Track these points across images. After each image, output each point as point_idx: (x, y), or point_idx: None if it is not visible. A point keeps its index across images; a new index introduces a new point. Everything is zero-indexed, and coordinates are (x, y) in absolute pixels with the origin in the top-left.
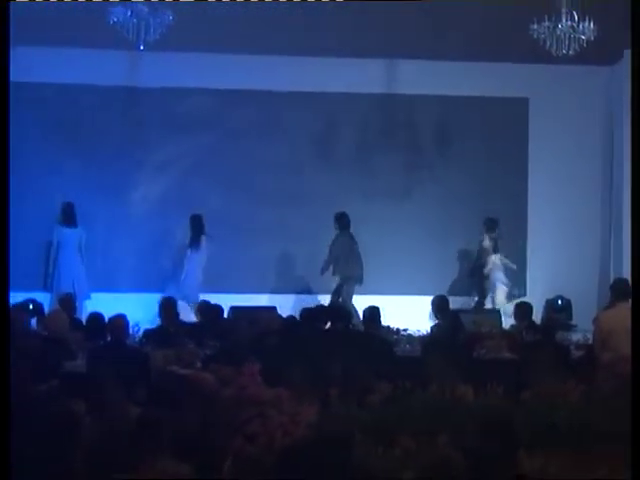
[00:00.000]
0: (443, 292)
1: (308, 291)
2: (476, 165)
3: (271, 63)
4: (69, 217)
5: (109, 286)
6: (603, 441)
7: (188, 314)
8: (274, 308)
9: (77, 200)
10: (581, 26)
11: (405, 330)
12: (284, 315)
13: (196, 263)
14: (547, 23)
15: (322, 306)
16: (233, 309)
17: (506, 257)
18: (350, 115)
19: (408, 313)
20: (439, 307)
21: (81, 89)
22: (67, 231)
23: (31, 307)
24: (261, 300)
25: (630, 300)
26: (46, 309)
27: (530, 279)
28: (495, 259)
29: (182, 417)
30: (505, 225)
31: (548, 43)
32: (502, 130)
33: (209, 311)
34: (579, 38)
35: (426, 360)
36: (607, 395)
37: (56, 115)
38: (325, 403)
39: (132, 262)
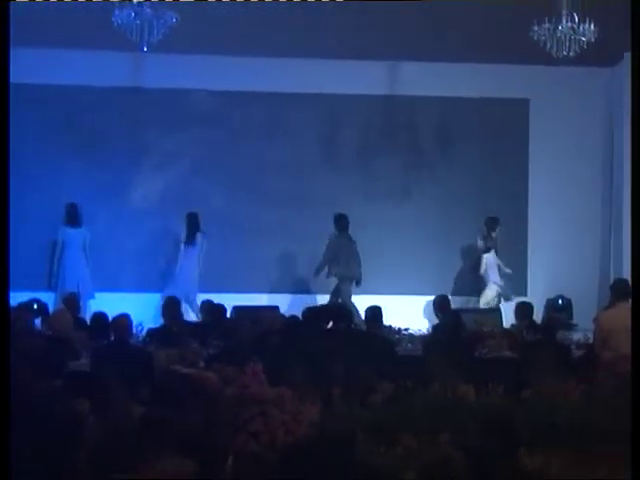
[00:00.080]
0: (444, 292)
1: (309, 291)
2: (477, 166)
3: (273, 65)
4: (73, 217)
5: (113, 286)
6: (603, 440)
7: (186, 312)
8: (277, 308)
9: (81, 200)
10: (581, 28)
11: (407, 330)
12: (286, 315)
13: (191, 259)
14: (548, 25)
15: (324, 306)
16: (236, 309)
17: (502, 260)
18: (352, 116)
19: (409, 313)
20: (440, 306)
21: (85, 90)
22: (71, 231)
23: (35, 307)
24: (262, 300)
25: (630, 300)
26: (50, 309)
27: (531, 279)
28: (489, 258)
29: (185, 416)
30: (506, 225)
31: (549, 44)
32: (503, 131)
33: (212, 310)
34: (579, 40)
35: (427, 359)
36: (607, 394)
37: (60, 116)
38: (327, 402)
39: (136, 262)
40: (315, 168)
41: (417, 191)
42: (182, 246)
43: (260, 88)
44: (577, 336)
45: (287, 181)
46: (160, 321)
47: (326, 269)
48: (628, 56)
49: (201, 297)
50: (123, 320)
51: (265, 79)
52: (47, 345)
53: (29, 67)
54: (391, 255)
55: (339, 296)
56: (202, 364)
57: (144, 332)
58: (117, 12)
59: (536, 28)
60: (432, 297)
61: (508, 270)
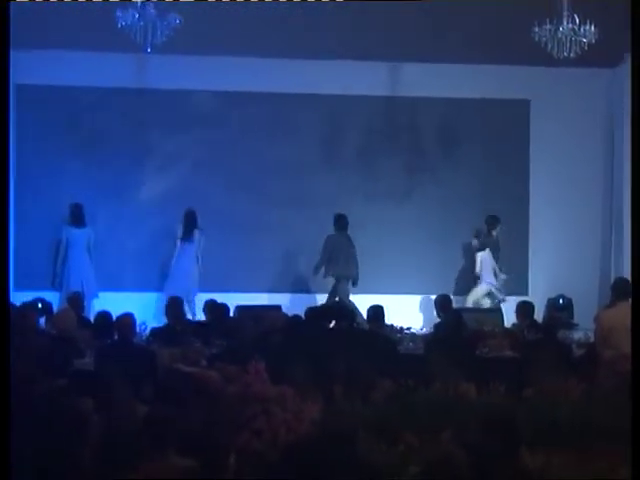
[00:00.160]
0: (445, 292)
1: (309, 290)
2: (478, 166)
3: (275, 65)
4: (78, 218)
5: (117, 285)
6: (604, 438)
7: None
8: (279, 307)
9: (85, 201)
10: (582, 29)
11: (408, 329)
12: (288, 314)
13: (188, 256)
14: (549, 26)
15: (326, 305)
16: (239, 308)
17: (503, 260)
18: (353, 117)
19: (410, 312)
20: (442, 306)
21: (89, 91)
22: (76, 231)
23: (40, 306)
24: (263, 299)
25: (630, 299)
26: (55, 308)
27: (532, 278)
28: (484, 256)
29: (188, 415)
30: (507, 226)
31: (549, 46)
32: (503, 132)
33: (215, 310)
34: (580, 41)
35: (429, 358)
36: (608, 392)
37: (64, 117)
38: (329, 400)
39: (139, 261)
40: (316, 168)
41: (418, 191)
42: (178, 242)
43: (262, 89)
44: (578, 335)
45: (288, 181)
46: (163, 320)
47: (323, 269)
48: (629, 57)
49: (201, 297)
50: (127, 319)
51: (267, 80)
52: (51, 344)
53: (34, 68)
54: (392, 255)
55: (337, 296)
56: (205, 363)
57: (147, 331)
58: (121, 13)
59: (537, 29)
60: (433, 297)
61: (503, 276)
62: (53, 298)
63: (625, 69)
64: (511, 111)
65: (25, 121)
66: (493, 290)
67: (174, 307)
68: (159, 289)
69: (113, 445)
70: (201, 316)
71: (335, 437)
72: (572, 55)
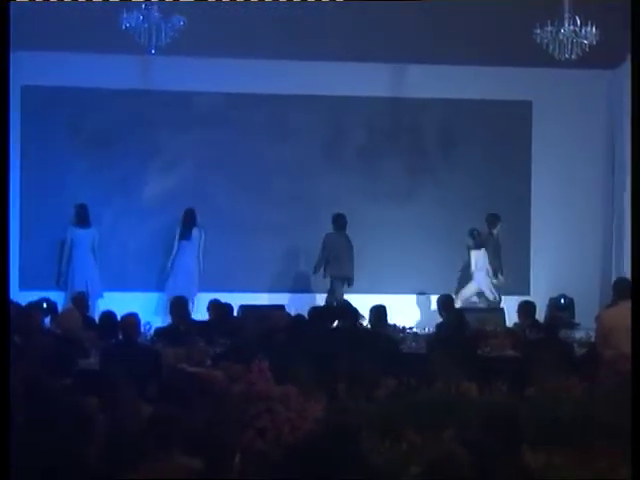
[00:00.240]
0: (446, 292)
1: (311, 290)
2: (480, 167)
3: (278, 67)
4: (82, 218)
5: (121, 285)
6: (606, 437)
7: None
8: (282, 307)
9: (90, 201)
10: (583, 30)
11: (411, 328)
12: (291, 314)
13: (188, 255)
14: (550, 28)
15: (329, 305)
16: (242, 308)
17: (504, 260)
18: (355, 118)
19: (411, 312)
20: (444, 306)
21: (95, 92)
22: (80, 232)
23: (45, 306)
24: (264, 299)
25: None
26: (60, 308)
27: (533, 278)
28: (478, 255)
29: (193, 414)
30: (509, 226)
31: (551, 47)
32: (505, 133)
33: (219, 309)
34: (581, 42)
35: (431, 358)
36: (609, 392)
37: (71, 118)
38: (333, 399)
39: (144, 261)
40: (318, 169)
41: (420, 192)
42: (177, 242)
43: (264, 90)
44: (579, 335)
45: (290, 182)
46: (167, 320)
47: (322, 269)
48: (629, 58)
49: (201, 296)
50: (131, 319)
51: (269, 81)
52: (56, 344)
53: (39, 70)
54: (393, 255)
55: (335, 295)
56: (209, 362)
57: (152, 331)
58: (125, 15)
59: (538, 31)
60: (433, 296)
61: (495, 280)
62: (58, 298)
63: (626, 70)
64: (513, 112)
65: (31, 122)
66: (484, 289)
67: (178, 307)
68: (162, 289)
69: (118, 444)
70: (201, 316)
71: (338, 436)
72: (573, 56)
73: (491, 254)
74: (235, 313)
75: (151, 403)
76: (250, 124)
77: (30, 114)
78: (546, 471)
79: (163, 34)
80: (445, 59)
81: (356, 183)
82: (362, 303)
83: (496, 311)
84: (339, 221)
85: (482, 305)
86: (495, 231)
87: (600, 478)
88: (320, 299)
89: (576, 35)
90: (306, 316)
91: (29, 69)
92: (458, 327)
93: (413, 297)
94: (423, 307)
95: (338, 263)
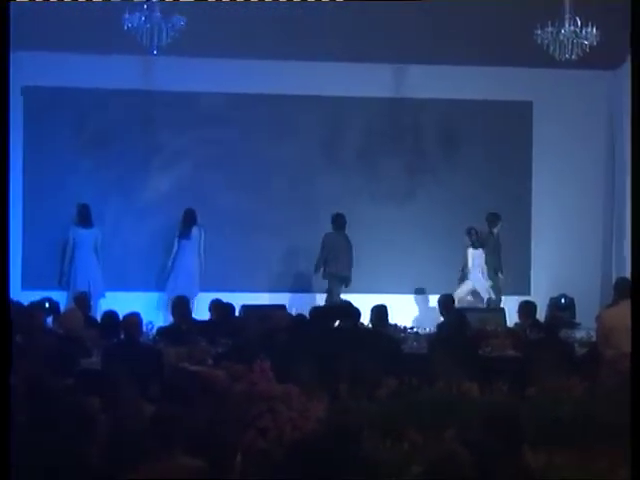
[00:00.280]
0: (447, 292)
1: (311, 290)
2: (480, 167)
3: (279, 67)
4: (85, 218)
5: (123, 285)
6: (606, 436)
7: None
8: (284, 307)
9: (92, 201)
10: (584, 31)
11: (412, 328)
12: (293, 313)
13: (188, 254)
14: (551, 28)
15: (331, 305)
16: (244, 307)
17: (504, 261)
18: (355, 118)
19: (412, 312)
20: (445, 306)
21: (96, 93)
22: (83, 231)
23: (47, 305)
24: (265, 299)
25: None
26: (62, 308)
27: (534, 278)
28: (474, 253)
29: (194, 413)
30: (509, 226)
31: (552, 48)
32: (506, 133)
33: (221, 309)
34: (582, 43)
35: (432, 357)
36: (610, 392)
37: (72, 118)
38: (334, 398)
39: (146, 261)
40: (318, 169)
41: (420, 192)
42: (176, 241)
43: (265, 90)
44: (580, 334)
45: (292, 182)
46: (168, 319)
47: (322, 268)
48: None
49: (202, 296)
50: (133, 318)
51: (269, 81)
52: (58, 343)
53: (41, 70)
54: (394, 255)
55: (334, 295)
56: (211, 362)
57: (154, 330)
58: (127, 16)
59: (539, 32)
60: (434, 296)
61: (489, 282)
62: (60, 298)
63: (626, 71)
64: (513, 112)
65: (33, 123)
66: (478, 289)
67: (180, 306)
68: (163, 288)
69: (120, 444)
70: (202, 315)
71: (340, 435)
72: (574, 57)
73: (491, 253)
74: (237, 313)
75: (153, 402)
76: (251, 124)
77: (32, 114)
78: (547, 471)
79: (165, 34)
80: (445, 59)
81: (356, 183)
82: (362, 303)
83: (497, 311)
84: (338, 221)
85: (477, 305)
86: (495, 230)
87: (601, 478)
88: (320, 299)
89: (576, 36)
90: (307, 316)
91: (31, 69)
92: (459, 327)
93: (413, 297)
94: (423, 307)
95: (336, 263)
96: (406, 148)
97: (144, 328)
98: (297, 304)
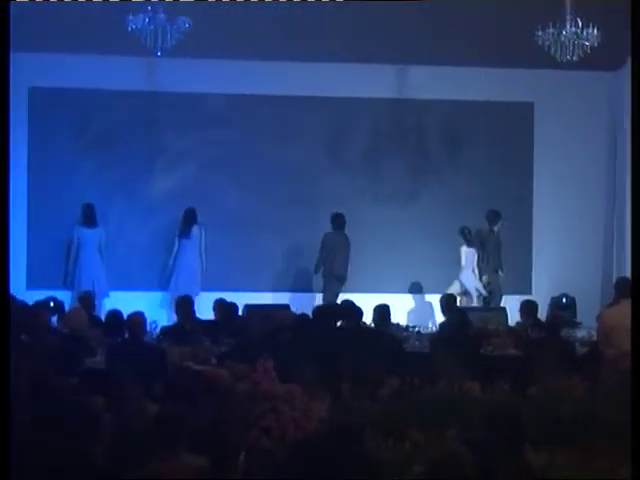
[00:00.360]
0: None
1: (313, 290)
2: (482, 168)
3: (282, 68)
4: (89, 218)
5: (127, 284)
6: (607, 435)
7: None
8: (287, 306)
9: (97, 201)
10: (585, 32)
11: (414, 327)
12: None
13: (189, 253)
14: (552, 30)
15: (334, 304)
16: (247, 307)
17: (504, 261)
18: (358, 119)
19: (412, 311)
20: (447, 305)
21: (101, 94)
22: (87, 231)
23: (52, 305)
24: (267, 298)
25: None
26: (67, 307)
27: (535, 278)
28: (467, 252)
29: (198, 413)
30: (511, 226)
31: (553, 49)
32: (507, 134)
33: (224, 309)
34: (583, 44)
35: (434, 357)
36: (611, 391)
37: (77, 119)
38: (337, 398)
39: (150, 261)
40: (321, 169)
41: (422, 193)
42: (177, 240)
43: (268, 91)
44: (581, 334)
45: (295, 182)
46: (171, 318)
47: (321, 268)
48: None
49: (204, 295)
50: (137, 318)
51: (273, 82)
52: (63, 342)
53: (47, 71)
54: (398, 255)
55: (337, 294)
56: (214, 361)
57: (158, 330)
58: (131, 18)
59: (540, 33)
60: (435, 295)
61: (479, 283)
62: (65, 297)
63: (627, 72)
64: (515, 113)
65: (38, 123)
66: (468, 288)
67: (184, 306)
68: (166, 288)
69: (124, 443)
70: (204, 315)
71: (342, 435)
72: (575, 58)
73: (492, 251)
74: (240, 312)
75: (157, 402)
76: (254, 125)
77: (37, 115)
78: (548, 470)
79: (168, 36)
80: (447, 60)
81: (359, 184)
82: (365, 303)
83: (498, 310)
84: (337, 221)
85: (466, 304)
86: (496, 228)
87: (602, 477)
88: (321, 298)
89: (577, 37)
90: (310, 315)
91: (36, 71)
92: (461, 326)
93: (416, 297)
94: (425, 307)
95: (332, 262)
96: (408, 149)
97: (148, 327)
98: (299, 303)
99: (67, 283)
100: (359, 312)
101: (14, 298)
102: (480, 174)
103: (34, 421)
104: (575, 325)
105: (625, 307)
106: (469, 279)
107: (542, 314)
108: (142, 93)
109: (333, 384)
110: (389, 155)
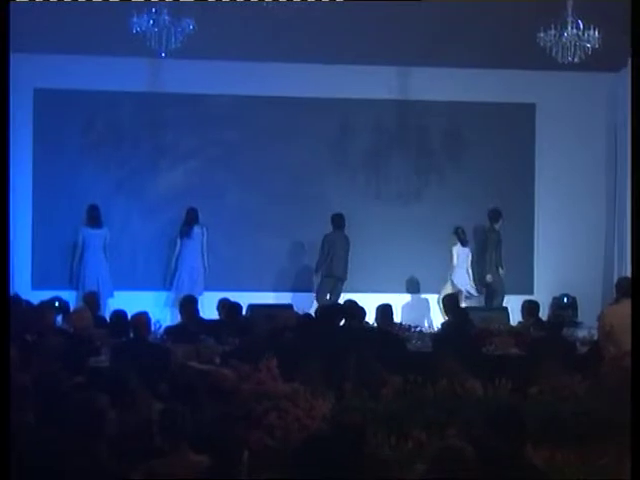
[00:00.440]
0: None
1: (314, 289)
2: (484, 169)
3: (285, 70)
4: (94, 219)
5: (132, 284)
6: (607, 434)
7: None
8: (291, 306)
9: (101, 201)
10: (586, 34)
11: (416, 327)
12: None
13: (190, 252)
14: (553, 31)
15: (337, 304)
16: (251, 307)
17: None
18: (361, 120)
19: (411, 310)
20: (449, 305)
21: (105, 95)
22: (92, 232)
23: (57, 305)
24: (269, 298)
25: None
26: (72, 307)
27: (537, 278)
28: (459, 251)
29: (202, 411)
30: (513, 227)
31: (554, 50)
32: (509, 135)
33: (228, 308)
34: (584, 46)
35: (437, 356)
36: (611, 389)
37: (82, 120)
38: (340, 397)
39: (154, 261)
40: (325, 170)
41: (426, 194)
42: (179, 240)
43: (272, 92)
44: (582, 333)
45: (298, 182)
46: (175, 318)
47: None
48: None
49: (208, 295)
50: (142, 317)
51: (277, 84)
52: (68, 342)
53: (52, 73)
54: (400, 255)
55: (340, 294)
56: (218, 361)
57: (162, 329)
58: (136, 19)
59: (542, 34)
60: (429, 295)
61: (472, 288)
62: (70, 297)
63: (627, 73)
64: (517, 114)
65: (43, 124)
66: (461, 287)
67: (188, 306)
68: (169, 288)
69: (129, 441)
70: (207, 315)
71: (345, 434)
72: (576, 60)
73: (493, 249)
74: (244, 312)
75: (162, 400)
76: (256, 126)
77: (42, 116)
78: (549, 468)
79: (173, 38)
80: (450, 62)
81: (361, 184)
82: (367, 302)
83: (500, 310)
84: (337, 221)
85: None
86: (497, 226)
87: (603, 475)
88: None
89: (579, 38)
90: (314, 315)
91: (41, 72)
92: (463, 326)
93: (415, 296)
94: (423, 306)
95: (332, 262)
96: (410, 150)
97: (152, 327)
98: (302, 303)
99: (74, 283)
100: (362, 312)
101: (19, 298)
102: (482, 175)
103: (40, 419)
104: (576, 325)
105: (626, 307)
106: (462, 279)
107: (544, 314)
108: (146, 94)
109: (336, 383)
110: (391, 156)
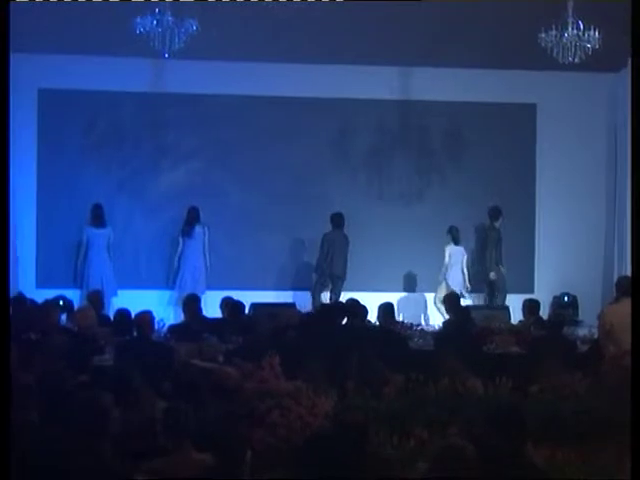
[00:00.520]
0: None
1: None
2: (485, 169)
3: (288, 71)
4: (98, 218)
5: (135, 283)
6: (608, 432)
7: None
8: (293, 304)
9: (105, 201)
10: (587, 35)
11: (418, 325)
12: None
13: (192, 252)
14: (554, 32)
15: (339, 302)
16: (254, 305)
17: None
18: (363, 120)
19: (411, 310)
20: (450, 304)
21: (108, 95)
22: (96, 231)
23: (61, 303)
24: (271, 296)
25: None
26: (76, 305)
27: (538, 277)
28: (453, 250)
29: (205, 409)
30: (514, 226)
31: (555, 51)
32: (510, 135)
33: (232, 307)
34: (585, 46)
35: (438, 354)
36: (612, 388)
37: (86, 120)
38: (342, 395)
39: (157, 260)
40: (327, 170)
41: (426, 193)
42: (180, 239)
43: (274, 93)
44: (582, 332)
45: (300, 182)
46: (178, 317)
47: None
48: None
49: (211, 294)
50: (146, 316)
51: (279, 84)
52: (72, 341)
53: (56, 73)
54: (402, 254)
55: (340, 293)
56: (221, 359)
57: (165, 328)
58: (139, 20)
59: (543, 35)
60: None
61: (465, 289)
62: (74, 296)
63: (628, 73)
64: (518, 115)
65: (47, 124)
66: (455, 287)
67: (191, 304)
68: (172, 287)
69: (133, 440)
70: (210, 313)
71: (347, 432)
72: (577, 60)
73: (493, 246)
74: (247, 311)
75: (165, 399)
76: (258, 126)
77: (46, 116)
78: (549, 466)
79: (176, 38)
80: (451, 62)
81: (363, 183)
82: (368, 301)
83: (501, 309)
84: (336, 220)
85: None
86: (497, 224)
87: (604, 474)
88: (326, 297)
89: (579, 39)
90: (316, 313)
91: (46, 72)
92: (464, 325)
93: (414, 295)
94: (424, 306)
95: (331, 261)
96: (411, 150)
97: (156, 325)
98: (304, 302)
99: (78, 283)
100: (364, 310)
101: (24, 297)
102: (483, 175)
103: (44, 418)
104: (577, 323)
105: (626, 306)
106: (456, 279)
107: (544, 312)
108: (148, 94)
109: (338, 382)
110: (392, 156)
